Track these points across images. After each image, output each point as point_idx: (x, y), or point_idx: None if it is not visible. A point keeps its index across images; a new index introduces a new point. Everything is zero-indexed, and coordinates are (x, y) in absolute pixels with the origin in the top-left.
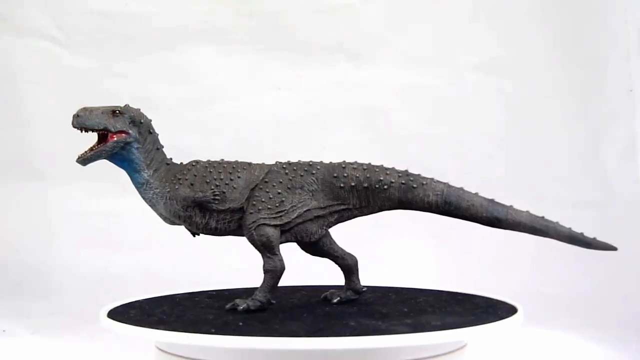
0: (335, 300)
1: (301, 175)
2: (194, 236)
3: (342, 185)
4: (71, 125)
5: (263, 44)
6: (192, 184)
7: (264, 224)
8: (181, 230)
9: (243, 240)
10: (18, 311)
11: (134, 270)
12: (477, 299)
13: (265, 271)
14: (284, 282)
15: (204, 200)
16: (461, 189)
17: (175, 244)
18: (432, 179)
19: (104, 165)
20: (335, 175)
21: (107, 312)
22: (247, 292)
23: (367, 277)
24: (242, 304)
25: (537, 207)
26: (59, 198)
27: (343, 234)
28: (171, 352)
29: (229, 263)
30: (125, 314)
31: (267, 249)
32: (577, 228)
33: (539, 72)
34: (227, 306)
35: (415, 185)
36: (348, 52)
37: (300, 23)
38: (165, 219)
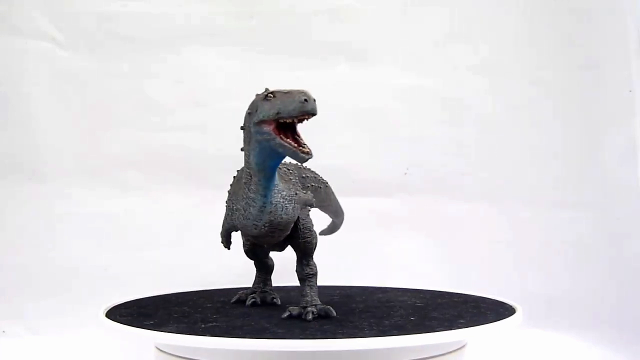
0: (279, 302)
1: (294, 177)
2: (229, 249)
3: (310, 184)
4: (310, 111)
5: (263, 45)
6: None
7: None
8: (180, 230)
9: (240, 242)
10: (18, 312)
11: (133, 270)
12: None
13: (314, 274)
14: (279, 282)
15: (312, 205)
16: None
17: (174, 244)
18: None
19: (104, 166)
20: (304, 175)
21: (106, 311)
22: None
23: (366, 278)
24: (314, 312)
25: (537, 207)
26: (59, 198)
27: (342, 235)
28: (171, 353)
29: (228, 263)
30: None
31: (313, 252)
32: (577, 228)
33: (538, 72)
34: (282, 316)
35: (325, 185)
36: (348, 53)
37: (300, 24)
38: (262, 229)
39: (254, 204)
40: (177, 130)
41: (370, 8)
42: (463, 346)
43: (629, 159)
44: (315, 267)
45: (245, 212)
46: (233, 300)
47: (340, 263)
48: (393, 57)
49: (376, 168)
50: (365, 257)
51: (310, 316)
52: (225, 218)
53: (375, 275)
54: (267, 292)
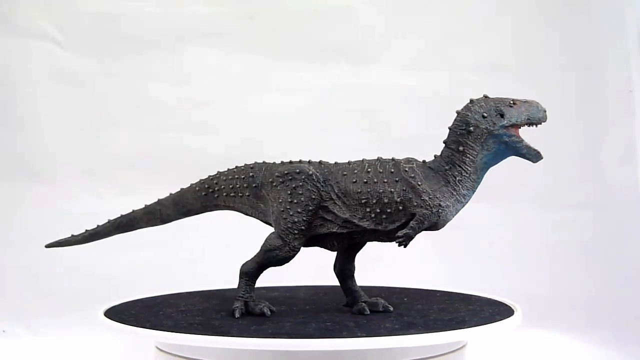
0: (274, 309)
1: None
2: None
3: None
4: (544, 120)
5: (263, 45)
6: None
7: None
8: (180, 230)
9: (240, 241)
10: (18, 311)
11: (133, 270)
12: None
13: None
14: (281, 282)
15: None
16: None
17: (174, 244)
18: None
19: (104, 166)
20: None
21: (106, 311)
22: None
23: (366, 278)
24: (386, 306)
25: (537, 207)
26: (59, 198)
27: None
28: (171, 353)
29: (228, 263)
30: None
31: None
32: (577, 229)
33: (538, 72)
34: (365, 312)
35: None
36: (348, 54)
37: (300, 24)
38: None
39: (463, 200)
40: (177, 130)
41: (370, 9)
42: (463, 346)
43: (629, 159)
44: None
45: (452, 208)
46: (237, 315)
47: None
48: (393, 57)
49: None
50: (364, 257)
51: (390, 307)
52: (425, 217)
53: (374, 275)
54: (260, 300)
